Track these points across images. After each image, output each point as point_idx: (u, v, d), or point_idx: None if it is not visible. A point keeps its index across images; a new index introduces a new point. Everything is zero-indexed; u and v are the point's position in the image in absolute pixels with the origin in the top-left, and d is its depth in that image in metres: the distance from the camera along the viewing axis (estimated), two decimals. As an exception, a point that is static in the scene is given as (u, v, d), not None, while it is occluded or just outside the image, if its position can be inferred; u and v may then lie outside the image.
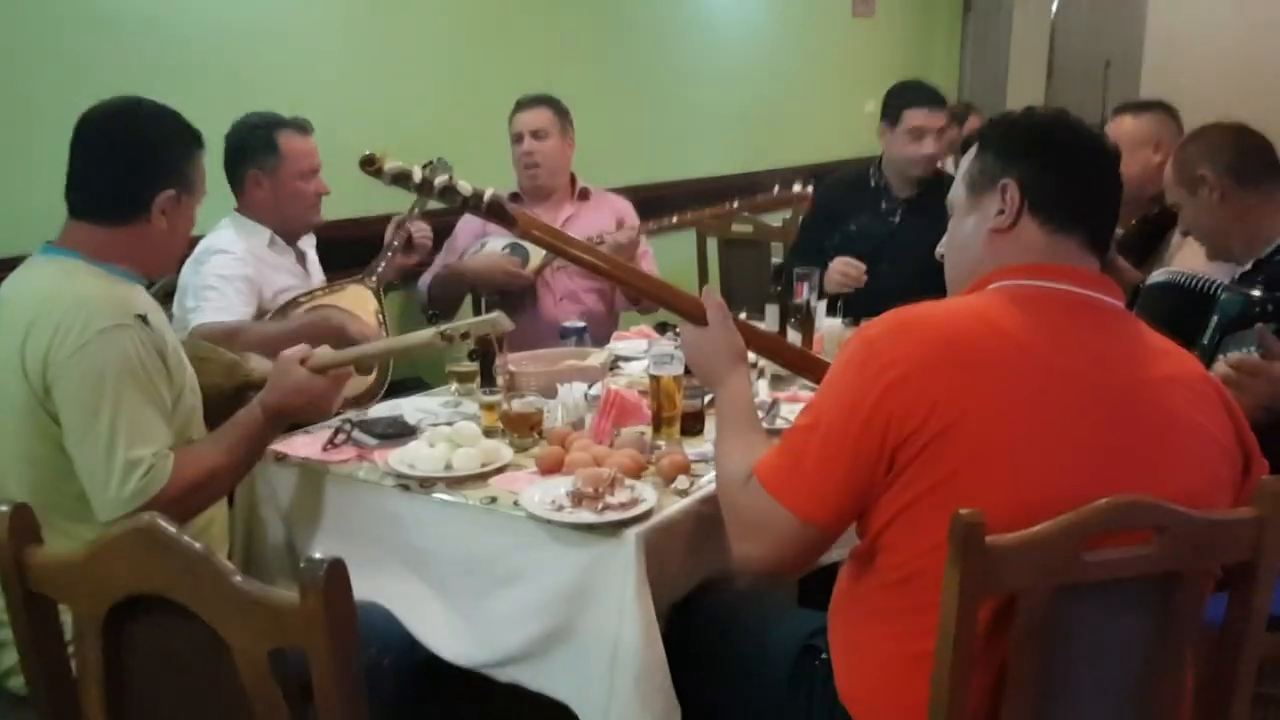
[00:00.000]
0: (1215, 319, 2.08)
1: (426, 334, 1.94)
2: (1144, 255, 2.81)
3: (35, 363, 1.71)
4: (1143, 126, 2.93)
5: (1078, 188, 1.48)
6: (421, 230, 3.02)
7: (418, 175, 1.74)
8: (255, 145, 2.67)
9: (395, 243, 2.92)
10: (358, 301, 2.72)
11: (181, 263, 2.50)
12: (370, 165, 1.72)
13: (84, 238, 1.82)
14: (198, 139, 1.91)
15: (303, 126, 2.74)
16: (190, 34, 2.90)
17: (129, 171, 1.82)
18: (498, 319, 1.94)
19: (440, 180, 1.75)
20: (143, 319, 1.78)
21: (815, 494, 1.41)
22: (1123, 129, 2.99)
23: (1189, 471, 1.37)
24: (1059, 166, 1.48)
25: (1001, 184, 1.49)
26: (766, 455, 1.50)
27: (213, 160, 2.66)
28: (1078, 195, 1.48)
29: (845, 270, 3.14)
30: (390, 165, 1.73)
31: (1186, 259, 2.58)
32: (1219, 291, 2.15)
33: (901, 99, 3.32)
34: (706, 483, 1.88)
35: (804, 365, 2.03)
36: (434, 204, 2.93)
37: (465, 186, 1.77)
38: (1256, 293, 2.08)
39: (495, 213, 1.80)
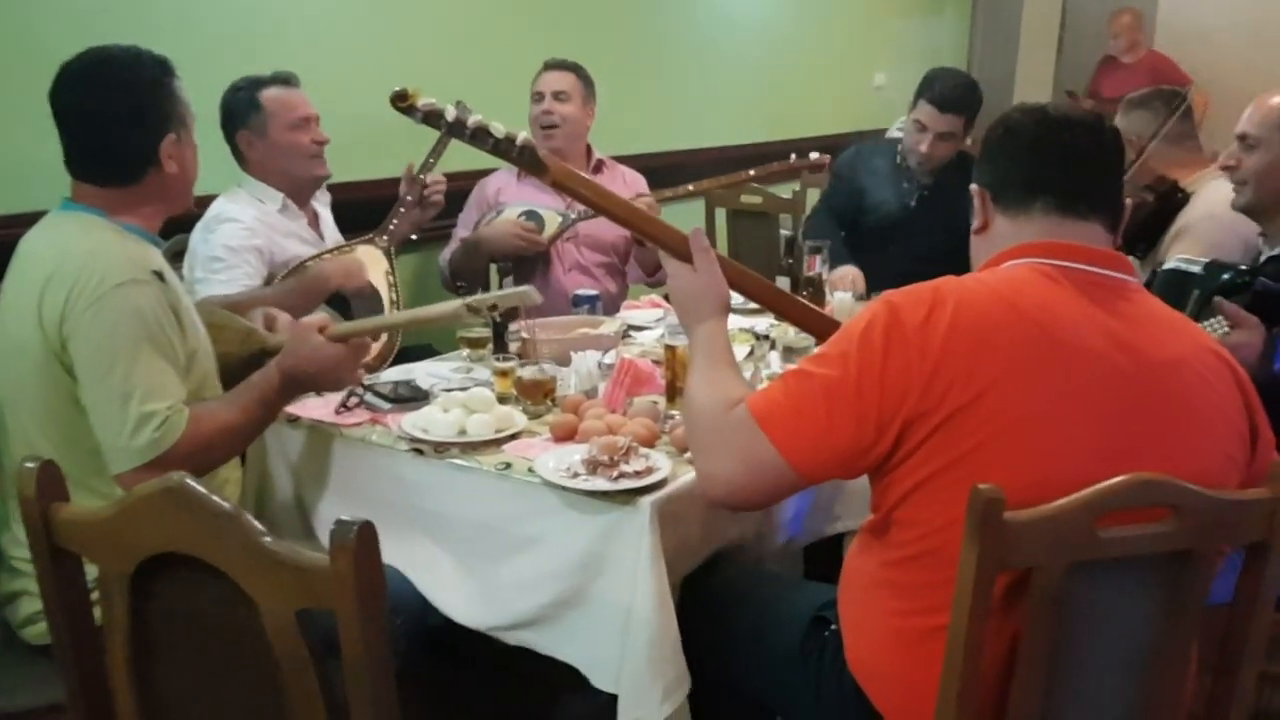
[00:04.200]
0: (1195, 293, 2.11)
1: (453, 304, 1.93)
2: (1151, 244, 2.81)
3: (52, 316, 1.72)
4: (1123, 128, 2.89)
5: (1019, 163, 1.52)
6: (436, 184, 2.96)
7: (451, 114, 1.69)
8: (240, 108, 2.66)
9: (409, 196, 2.90)
10: (369, 263, 2.71)
11: (194, 213, 2.49)
12: (402, 101, 1.68)
13: (98, 197, 1.83)
14: (167, 67, 1.88)
15: (286, 80, 2.70)
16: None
17: (128, 135, 1.81)
18: (527, 292, 1.92)
19: (474, 121, 1.71)
20: (159, 275, 1.80)
21: (808, 442, 1.42)
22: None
23: (1203, 451, 1.39)
24: (1001, 152, 1.55)
25: (971, 190, 1.57)
26: (763, 390, 1.51)
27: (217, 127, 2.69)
28: (1021, 170, 1.52)
29: (851, 275, 3.16)
30: (423, 102, 1.68)
31: (1186, 249, 2.58)
32: (1201, 269, 2.18)
33: (923, 86, 3.28)
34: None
35: (795, 313, 1.95)
36: (444, 167, 2.96)
37: (499, 128, 1.72)
38: (1243, 267, 2.14)
39: (528, 158, 1.74)
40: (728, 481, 1.50)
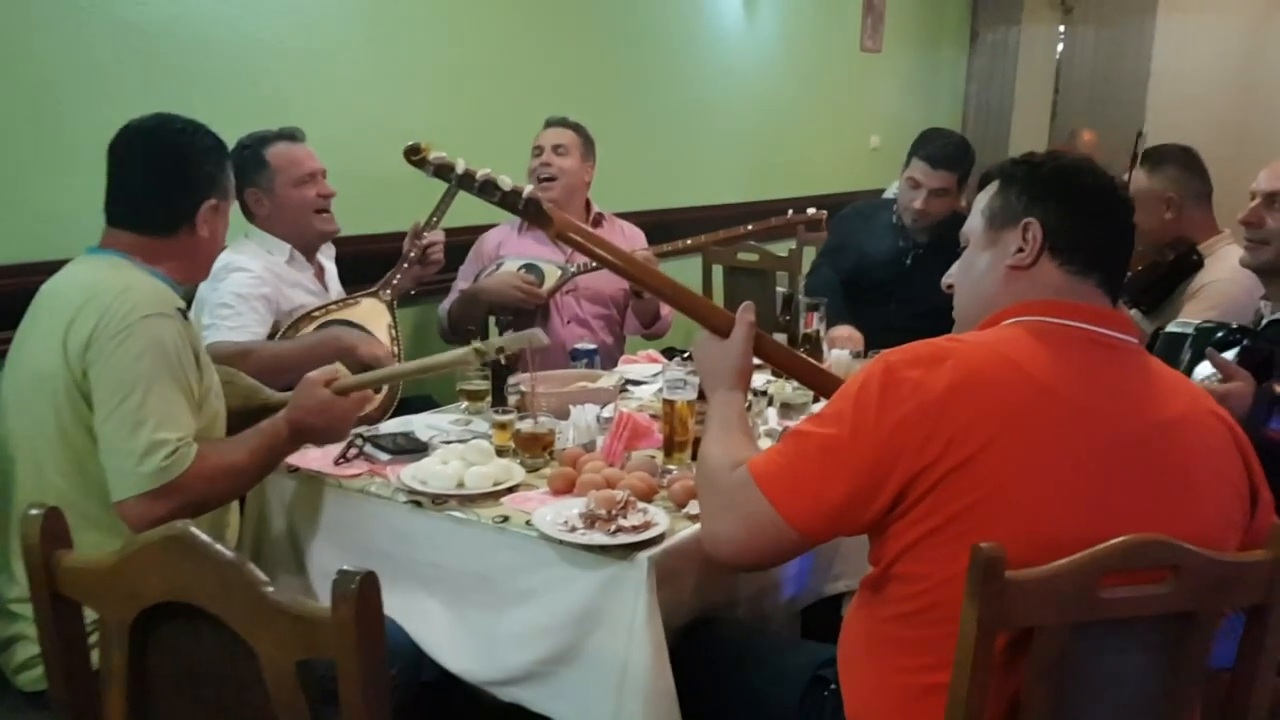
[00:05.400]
0: (1188, 354, 2.13)
1: (461, 351, 1.95)
2: (1156, 302, 2.83)
3: (77, 343, 1.75)
4: (1157, 184, 2.91)
5: (1097, 234, 1.51)
6: (435, 243, 3.00)
7: (461, 167, 1.76)
8: (247, 166, 2.69)
9: (412, 253, 2.93)
10: (372, 315, 2.74)
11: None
12: (415, 155, 1.76)
13: (129, 243, 1.88)
14: (225, 148, 2.00)
15: (291, 135, 2.75)
16: (213, 48, 2.92)
17: (175, 187, 1.90)
18: (534, 335, 1.96)
19: (482, 174, 1.77)
20: (182, 312, 1.85)
21: (805, 501, 1.43)
22: (1139, 184, 2.96)
23: (1202, 512, 1.39)
24: (1081, 211, 1.51)
25: (1024, 222, 1.51)
26: (763, 452, 1.51)
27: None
28: (1096, 241, 1.51)
29: (850, 335, 3.16)
30: (435, 156, 1.76)
31: (1194, 311, 2.60)
32: (1193, 329, 2.21)
33: (916, 144, 3.32)
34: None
35: (819, 381, 1.97)
36: (448, 223, 3.00)
37: (506, 181, 1.79)
38: (1234, 325, 2.18)
39: (532, 211, 1.80)
40: (730, 541, 1.51)
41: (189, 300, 2.64)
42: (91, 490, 1.76)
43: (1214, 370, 2.02)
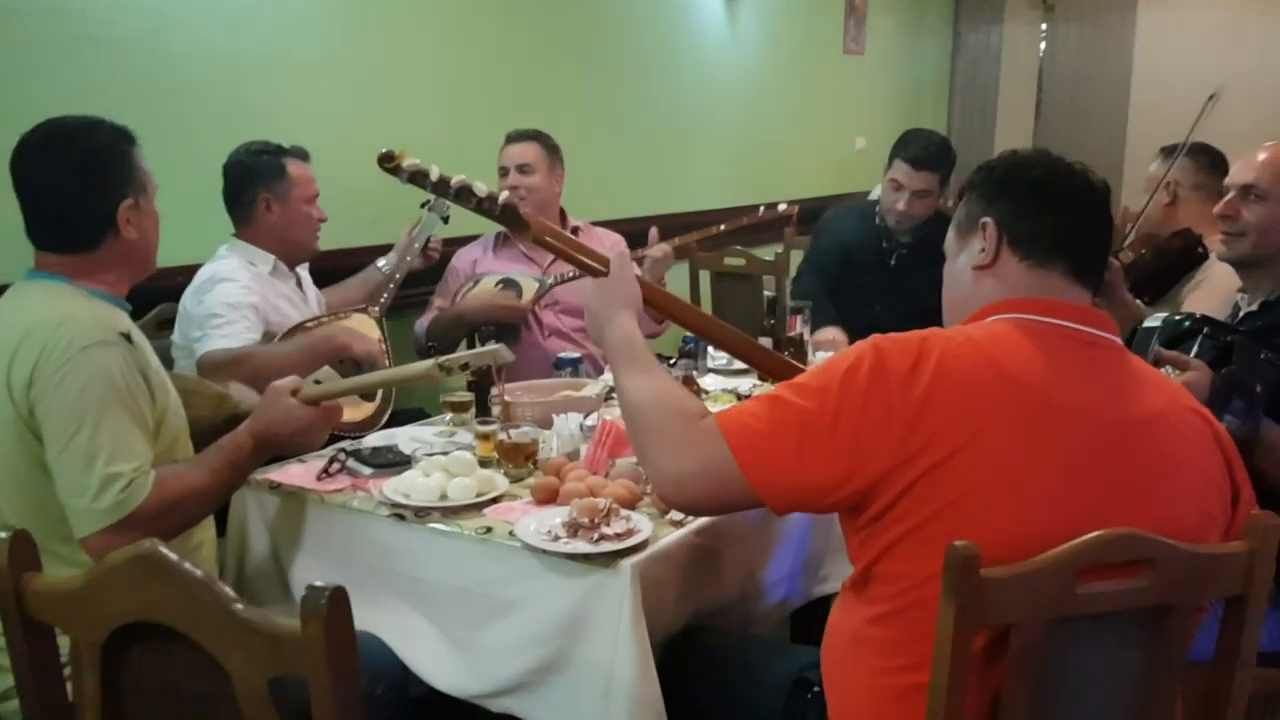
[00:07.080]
0: (1153, 346, 2.14)
1: (425, 365, 1.95)
2: (1160, 293, 2.83)
3: (21, 380, 1.72)
4: (1162, 171, 2.99)
5: (1051, 221, 1.51)
6: (436, 243, 3.12)
7: (435, 174, 1.76)
8: (264, 171, 2.71)
9: (416, 245, 3.01)
10: (361, 329, 2.75)
11: (169, 280, 2.52)
12: (389, 162, 1.75)
13: (63, 264, 1.83)
14: (128, 136, 1.89)
15: (304, 155, 2.80)
16: (190, 61, 2.92)
17: (83, 200, 1.82)
18: (498, 351, 1.96)
19: (457, 180, 1.77)
20: (126, 337, 1.80)
21: (775, 471, 1.41)
22: (1150, 170, 3.09)
23: (1181, 507, 1.39)
24: (1031, 202, 1.53)
25: (981, 222, 1.54)
26: (734, 410, 1.49)
27: (209, 188, 2.72)
28: (1051, 228, 1.51)
29: (835, 338, 3.17)
30: (409, 163, 1.75)
31: (1195, 303, 2.60)
32: (1160, 322, 2.21)
33: (897, 146, 3.34)
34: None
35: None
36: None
37: (481, 188, 1.79)
38: (1198, 314, 2.18)
39: (509, 216, 1.80)
40: (691, 491, 1.49)
41: (171, 316, 2.64)
42: (53, 528, 1.73)
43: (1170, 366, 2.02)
